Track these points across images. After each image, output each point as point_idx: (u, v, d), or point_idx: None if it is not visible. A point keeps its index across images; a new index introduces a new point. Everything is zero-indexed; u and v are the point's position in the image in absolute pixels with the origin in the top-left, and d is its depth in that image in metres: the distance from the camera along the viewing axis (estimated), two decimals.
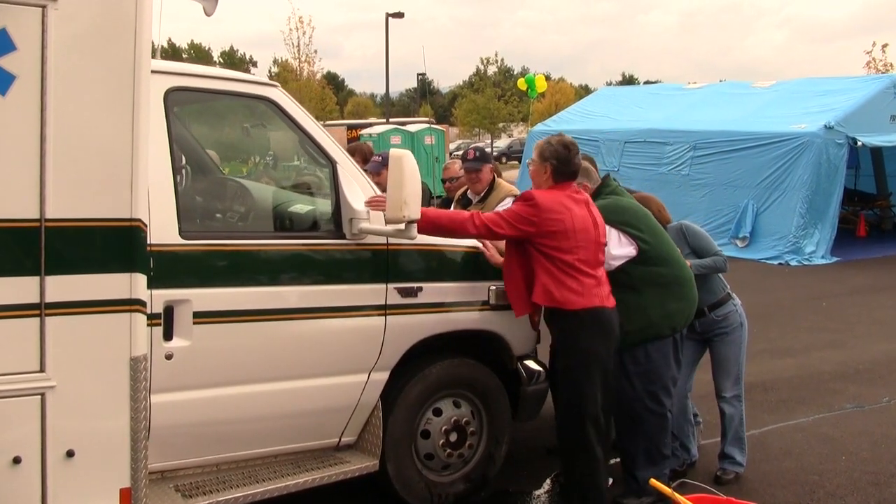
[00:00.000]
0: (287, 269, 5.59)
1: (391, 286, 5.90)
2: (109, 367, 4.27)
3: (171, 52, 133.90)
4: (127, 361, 4.28)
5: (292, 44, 50.42)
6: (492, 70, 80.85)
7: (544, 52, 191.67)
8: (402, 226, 5.45)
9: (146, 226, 4.38)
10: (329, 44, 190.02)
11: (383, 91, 56.37)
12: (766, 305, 14.15)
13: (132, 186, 4.26)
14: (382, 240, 5.81)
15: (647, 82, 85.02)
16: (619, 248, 6.20)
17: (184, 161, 6.04)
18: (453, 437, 6.29)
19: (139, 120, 4.26)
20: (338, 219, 5.75)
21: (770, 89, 23.35)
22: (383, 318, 5.88)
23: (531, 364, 6.70)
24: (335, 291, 5.71)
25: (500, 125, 75.00)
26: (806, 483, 6.92)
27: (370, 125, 45.39)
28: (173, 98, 5.30)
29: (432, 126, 39.76)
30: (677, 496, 5.11)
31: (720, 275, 6.91)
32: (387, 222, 5.52)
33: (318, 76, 51.74)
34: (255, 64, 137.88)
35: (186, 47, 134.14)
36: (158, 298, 5.03)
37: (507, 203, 7.85)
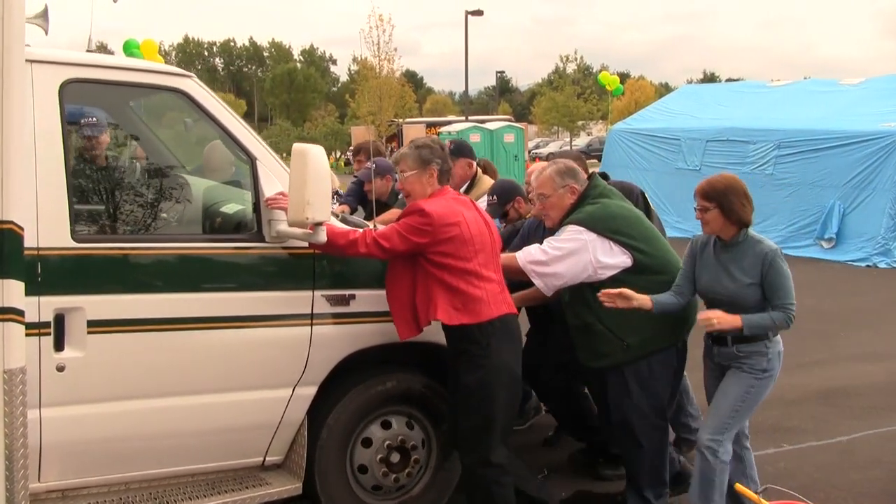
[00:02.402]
0: (197, 274, 5.16)
1: (318, 293, 5.40)
2: None
3: (253, 50, 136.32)
4: None
5: (372, 42, 50.60)
6: (571, 68, 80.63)
7: (623, 49, 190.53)
8: (310, 229, 5.03)
9: (22, 228, 3.96)
10: (408, 41, 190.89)
11: (461, 89, 56.55)
12: (854, 309, 13.78)
13: (3, 186, 3.88)
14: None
15: (728, 80, 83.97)
16: (611, 256, 5.75)
17: (92, 158, 5.67)
18: (395, 457, 5.79)
19: (11, 114, 3.87)
20: (259, 220, 5.29)
21: (858, 87, 22.83)
22: (309, 328, 5.38)
23: None
24: (253, 299, 5.24)
25: (580, 123, 74.62)
26: None
27: (449, 123, 45.46)
28: (71, 91, 4.92)
29: (511, 124, 39.75)
30: (763, 503, 4.94)
31: (765, 311, 5.48)
32: (289, 225, 5.08)
33: (398, 74, 51.84)
34: (334, 62, 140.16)
35: (268, 45, 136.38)
36: (48, 306, 4.71)
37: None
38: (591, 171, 6.38)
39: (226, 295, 5.19)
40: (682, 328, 5.90)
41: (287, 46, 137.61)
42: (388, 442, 5.76)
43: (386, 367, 5.82)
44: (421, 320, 5.36)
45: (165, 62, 28.20)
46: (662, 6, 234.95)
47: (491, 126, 36.00)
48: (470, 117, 47.56)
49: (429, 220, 5.20)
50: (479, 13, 47.04)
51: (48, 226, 4.70)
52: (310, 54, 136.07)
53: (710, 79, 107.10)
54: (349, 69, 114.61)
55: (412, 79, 75.87)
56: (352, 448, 5.72)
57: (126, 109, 6.41)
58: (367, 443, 5.74)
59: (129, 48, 23.76)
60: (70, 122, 5.09)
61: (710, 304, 5.58)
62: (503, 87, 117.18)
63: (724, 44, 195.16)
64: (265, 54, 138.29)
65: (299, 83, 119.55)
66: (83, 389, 4.87)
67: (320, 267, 5.41)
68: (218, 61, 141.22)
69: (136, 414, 5.05)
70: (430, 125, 50.29)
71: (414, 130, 50.57)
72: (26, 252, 4.15)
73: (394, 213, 7.75)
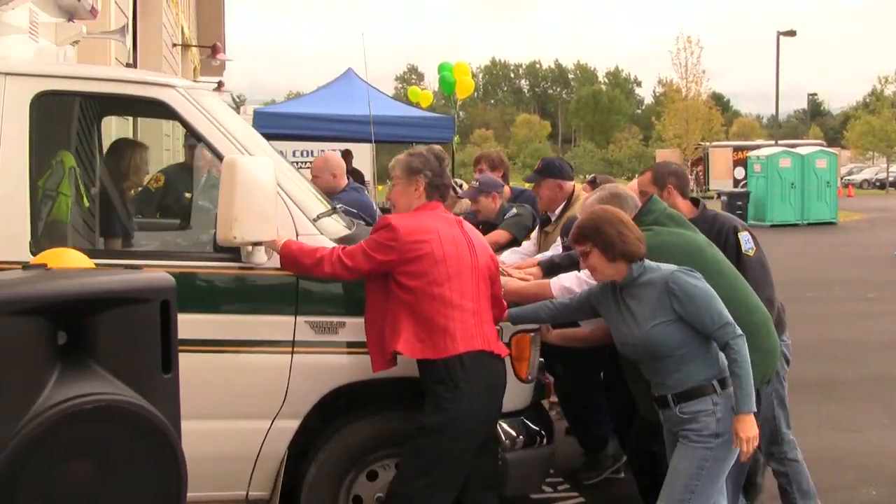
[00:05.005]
0: None
1: (301, 319, 4.93)
2: None
3: (558, 72, 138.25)
4: None
5: (679, 64, 50.25)
6: (890, 89, 76.52)
7: None
8: (250, 248, 4.70)
9: None
10: (715, 63, 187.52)
11: (768, 112, 54.96)
12: None
13: None
14: None
15: None
16: None
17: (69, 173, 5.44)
18: None
19: None
20: None
21: None
22: (289, 356, 4.91)
23: (513, 425, 5.35)
24: (225, 322, 4.85)
25: None
26: None
27: (757, 147, 44.41)
28: (45, 103, 4.81)
29: (824, 149, 38.35)
30: None
31: (705, 354, 4.70)
32: (219, 243, 4.71)
33: (704, 96, 51.19)
34: (639, 84, 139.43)
35: (573, 67, 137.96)
36: None
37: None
38: (652, 194, 5.58)
39: (196, 317, 4.71)
40: (756, 374, 4.88)
41: (592, 69, 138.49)
42: (378, 495, 5.20)
43: (395, 405, 5.23)
44: (386, 350, 4.81)
45: (475, 83, 29.14)
46: None
47: (802, 151, 34.88)
48: (779, 141, 46.18)
49: (394, 236, 4.71)
50: (791, 33, 45.60)
51: (6, 239, 4.63)
52: (614, 76, 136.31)
53: None
54: (654, 91, 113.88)
55: (718, 101, 74.40)
56: (346, 492, 5.21)
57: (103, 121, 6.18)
58: (360, 498, 5.23)
59: (443, 70, 24.92)
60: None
61: (634, 359, 4.93)
62: (814, 111, 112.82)
63: None
64: (570, 76, 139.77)
65: (604, 105, 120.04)
66: None
67: (305, 290, 4.96)
68: (523, 83, 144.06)
69: None
70: (737, 149, 49.31)
71: (720, 154, 49.74)
72: None
73: (499, 234, 7.43)
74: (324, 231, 5.09)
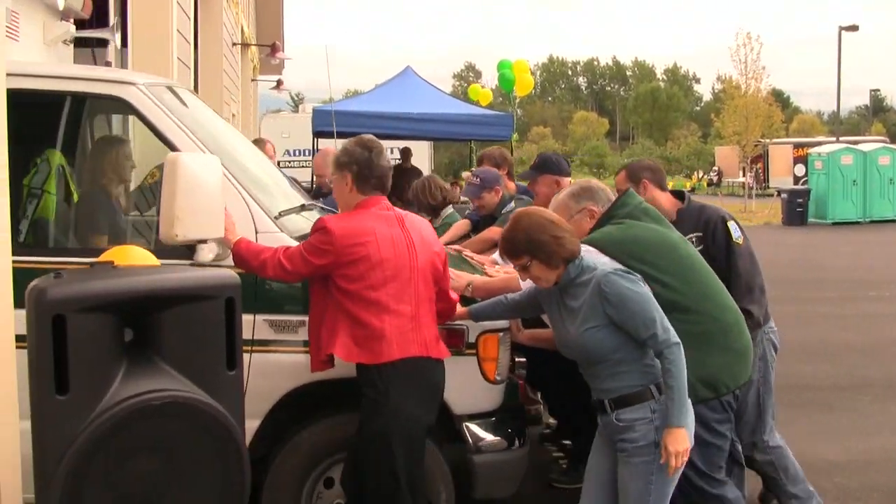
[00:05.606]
0: None
1: (260, 318, 4.89)
2: None
3: (616, 69, 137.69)
4: None
5: (739, 60, 49.66)
6: None
7: None
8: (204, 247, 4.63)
9: None
10: (775, 59, 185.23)
11: (829, 108, 54.24)
12: None
13: None
14: None
15: None
16: None
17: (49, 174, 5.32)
18: None
19: None
20: None
21: None
22: (247, 355, 4.70)
23: (482, 427, 5.22)
24: None
25: None
26: None
27: (818, 144, 43.85)
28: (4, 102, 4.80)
29: (887, 145, 37.76)
30: None
31: (642, 358, 4.44)
32: (162, 241, 4.58)
33: (764, 93, 50.59)
34: (698, 80, 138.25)
35: (630, 64, 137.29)
36: None
37: None
38: (629, 188, 5.45)
39: None
40: (725, 377, 4.88)
41: (650, 65, 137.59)
42: (338, 501, 5.09)
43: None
44: (322, 351, 4.74)
45: (534, 81, 29.18)
46: None
47: (864, 147, 34.37)
48: (840, 138, 45.54)
49: (329, 239, 4.62)
50: (853, 28, 44.97)
51: None
52: (673, 73, 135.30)
53: None
54: (713, 88, 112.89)
55: (778, 98, 73.61)
56: (308, 496, 5.10)
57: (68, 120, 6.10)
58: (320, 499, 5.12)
59: (503, 68, 25.02)
60: None
61: (576, 360, 4.65)
62: (876, 107, 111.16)
63: None
64: (628, 73, 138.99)
65: (662, 102, 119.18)
66: None
67: (263, 288, 4.92)
68: (581, 80, 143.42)
69: None
70: (797, 146, 48.70)
71: (780, 151, 49.16)
72: None
73: (494, 231, 7.03)
74: (285, 228, 5.03)
